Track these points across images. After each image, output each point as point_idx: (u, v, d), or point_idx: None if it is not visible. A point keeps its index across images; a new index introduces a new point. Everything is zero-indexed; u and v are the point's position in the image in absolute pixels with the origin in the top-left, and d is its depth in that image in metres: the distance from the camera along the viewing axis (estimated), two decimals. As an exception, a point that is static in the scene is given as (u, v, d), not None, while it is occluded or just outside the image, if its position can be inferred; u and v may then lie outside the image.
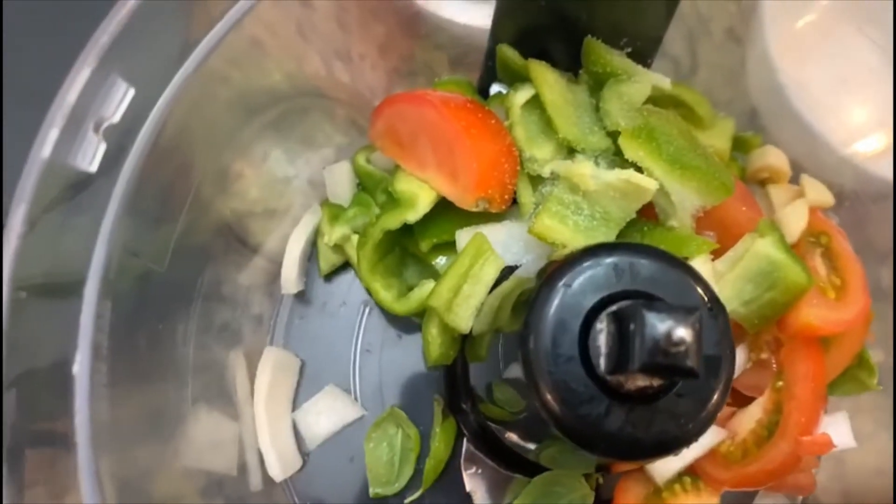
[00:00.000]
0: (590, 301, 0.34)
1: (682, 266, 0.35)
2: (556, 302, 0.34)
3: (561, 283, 0.35)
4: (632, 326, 0.30)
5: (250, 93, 0.63)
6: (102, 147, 0.36)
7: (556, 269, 0.35)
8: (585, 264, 0.35)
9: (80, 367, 0.39)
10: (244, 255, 0.60)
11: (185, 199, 0.55)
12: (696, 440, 0.34)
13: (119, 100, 0.36)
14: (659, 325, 0.29)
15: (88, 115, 0.35)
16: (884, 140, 0.64)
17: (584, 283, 0.35)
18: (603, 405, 0.33)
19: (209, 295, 0.56)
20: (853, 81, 0.66)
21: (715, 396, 0.33)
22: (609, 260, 0.35)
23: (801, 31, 0.66)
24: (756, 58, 0.65)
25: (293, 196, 0.63)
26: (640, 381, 0.33)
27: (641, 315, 0.30)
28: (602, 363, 0.33)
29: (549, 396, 0.34)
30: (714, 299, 0.34)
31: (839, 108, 0.64)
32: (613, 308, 0.33)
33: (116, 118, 0.36)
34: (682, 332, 0.28)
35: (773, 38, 0.62)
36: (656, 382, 0.33)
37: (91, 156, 0.36)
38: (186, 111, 0.52)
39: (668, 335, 0.29)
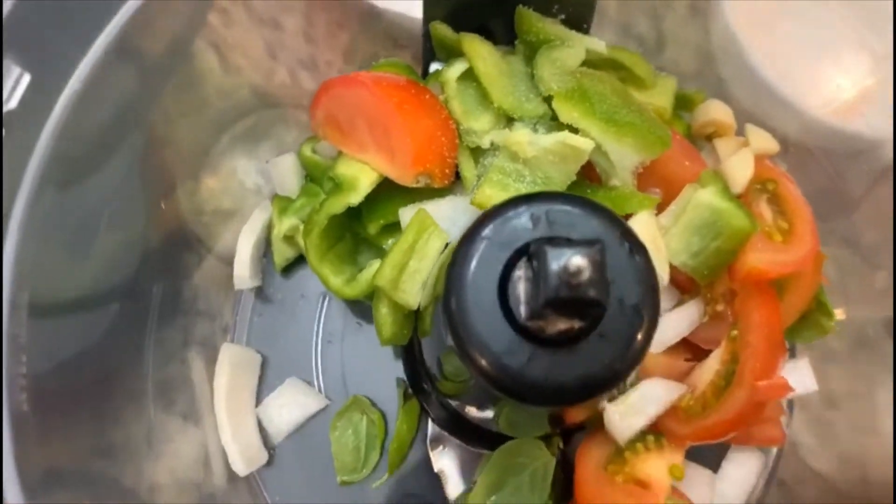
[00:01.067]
0: (507, 251, 0.34)
1: (597, 209, 0.35)
2: (474, 256, 0.34)
3: (478, 237, 0.35)
4: (535, 265, 0.30)
5: (218, 108, 0.64)
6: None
7: (474, 224, 0.35)
8: (502, 216, 0.35)
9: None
10: (200, 257, 0.60)
11: (131, 212, 0.55)
12: (622, 381, 0.34)
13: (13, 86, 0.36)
14: (559, 258, 0.29)
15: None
16: (848, 97, 0.64)
17: (501, 235, 0.34)
18: (525, 354, 0.33)
19: (166, 305, 0.56)
20: (816, 46, 0.66)
21: (639, 335, 0.33)
22: (525, 209, 0.35)
23: (761, 2, 0.67)
24: (719, 30, 0.65)
25: (260, 199, 0.64)
26: (561, 325, 0.32)
27: (543, 252, 0.29)
28: (522, 311, 0.33)
29: (473, 352, 0.34)
30: (632, 239, 0.34)
31: (806, 72, 0.64)
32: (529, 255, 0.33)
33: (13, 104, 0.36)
34: (580, 261, 0.28)
35: (733, 9, 0.62)
36: (576, 325, 0.33)
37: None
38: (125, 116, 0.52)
39: (566, 266, 0.28)
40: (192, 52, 0.59)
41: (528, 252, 0.33)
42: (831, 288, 0.54)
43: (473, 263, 0.34)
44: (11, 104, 0.36)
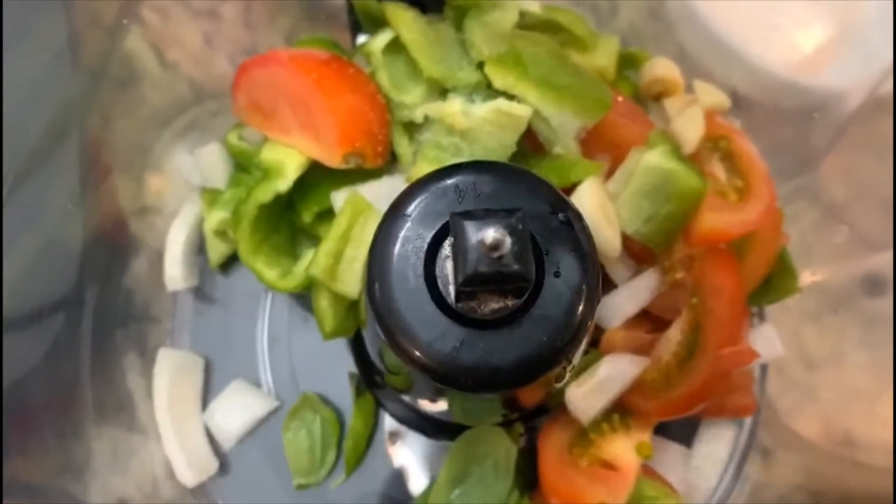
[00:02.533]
0: (432, 228, 0.31)
1: (528, 178, 0.32)
2: (397, 235, 0.31)
3: (400, 215, 0.32)
4: (453, 240, 0.27)
5: (156, 105, 0.61)
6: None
7: (394, 202, 0.32)
8: (425, 191, 0.32)
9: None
10: (148, 260, 0.57)
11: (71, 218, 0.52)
12: (565, 360, 0.31)
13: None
14: (476, 231, 0.26)
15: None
16: (809, 53, 0.63)
17: (424, 210, 0.31)
18: (457, 338, 0.30)
19: (99, 307, 0.53)
20: (774, 2, 0.64)
21: (578, 309, 0.30)
22: (450, 181, 0.32)
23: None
24: None
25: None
26: (494, 304, 0.30)
27: (460, 225, 0.27)
28: (451, 292, 0.30)
29: (399, 338, 0.31)
30: (565, 205, 0.31)
31: (763, 29, 0.63)
32: (453, 231, 0.30)
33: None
34: (497, 233, 0.25)
35: None
36: (511, 303, 0.30)
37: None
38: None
39: (483, 239, 0.25)
40: (127, 49, 0.56)
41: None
42: (801, 248, 0.52)
43: (397, 245, 0.31)
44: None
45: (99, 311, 0.53)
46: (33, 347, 0.48)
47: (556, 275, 0.30)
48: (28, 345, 0.47)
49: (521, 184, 0.32)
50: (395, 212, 0.32)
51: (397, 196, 0.33)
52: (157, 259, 0.56)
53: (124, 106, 0.58)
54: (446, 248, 0.31)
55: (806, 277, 0.53)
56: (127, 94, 0.58)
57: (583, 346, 0.33)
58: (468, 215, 0.27)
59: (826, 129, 0.62)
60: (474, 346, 0.30)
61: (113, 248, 0.56)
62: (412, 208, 0.32)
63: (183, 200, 0.60)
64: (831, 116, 0.61)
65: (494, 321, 0.30)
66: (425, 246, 0.31)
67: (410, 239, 0.31)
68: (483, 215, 0.26)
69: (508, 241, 0.26)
